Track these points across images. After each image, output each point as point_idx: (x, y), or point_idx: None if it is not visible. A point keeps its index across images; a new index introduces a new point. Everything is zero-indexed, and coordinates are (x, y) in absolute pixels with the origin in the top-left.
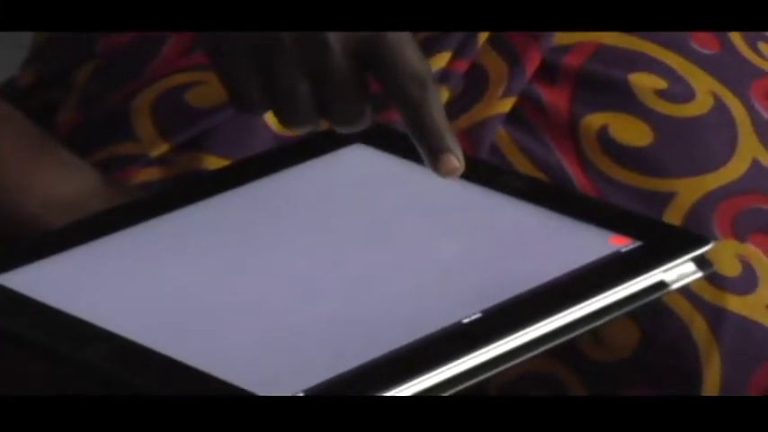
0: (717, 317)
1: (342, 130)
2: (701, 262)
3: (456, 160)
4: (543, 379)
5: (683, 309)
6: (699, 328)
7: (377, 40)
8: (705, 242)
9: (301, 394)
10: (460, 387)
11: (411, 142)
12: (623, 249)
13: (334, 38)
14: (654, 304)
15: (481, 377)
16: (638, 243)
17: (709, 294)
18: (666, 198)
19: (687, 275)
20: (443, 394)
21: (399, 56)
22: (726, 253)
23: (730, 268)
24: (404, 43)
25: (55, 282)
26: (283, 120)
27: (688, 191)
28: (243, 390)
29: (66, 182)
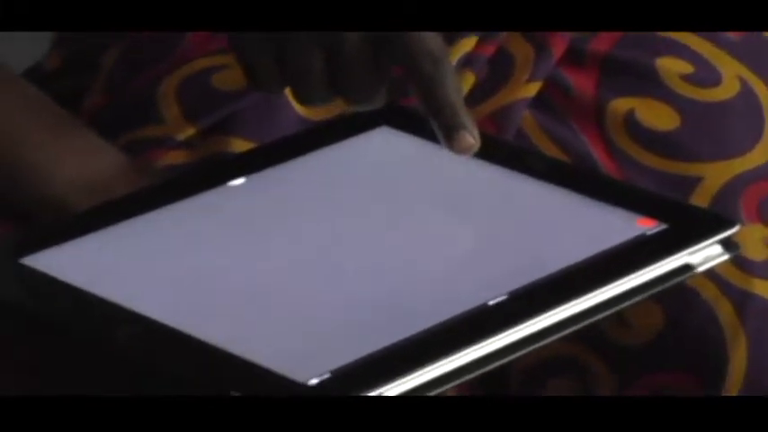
0: (743, 301)
1: (357, 107)
2: (727, 245)
3: (471, 137)
4: (568, 362)
5: (709, 292)
6: (725, 311)
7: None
8: (732, 225)
9: (328, 375)
10: (485, 369)
11: None
12: (650, 232)
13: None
14: (679, 287)
15: (506, 359)
16: (664, 225)
17: (735, 278)
18: (693, 182)
19: (713, 258)
20: (465, 378)
21: (414, 34)
22: (752, 237)
23: (757, 252)
24: None
25: (82, 263)
26: (299, 97)
27: (714, 175)
28: (269, 370)
29: (92, 164)
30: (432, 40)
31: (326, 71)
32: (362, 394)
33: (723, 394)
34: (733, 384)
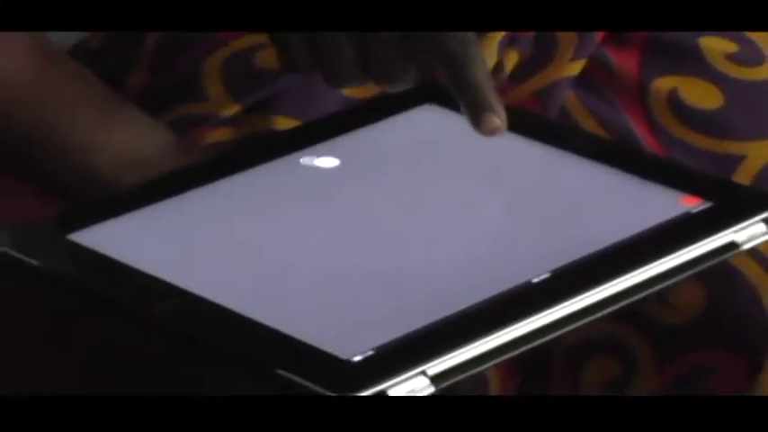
0: None
1: (387, 89)
2: None
3: (497, 119)
4: (609, 342)
5: (753, 272)
6: (767, 290)
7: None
8: None
9: (371, 352)
10: (528, 347)
11: None
12: (694, 210)
13: None
14: (722, 266)
15: (549, 337)
16: (708, 203)
17: None
18: (736, 161)
19: (758, 236)
20: (508, 355)
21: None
22: None
23: None
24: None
25: (128, 239)
26: (328, 78)
27: (757, 154)
28: (313, 347)
29: (138, 141)
30: None
31: (356, 53)
32: (403, 372)
33: (764, 374)
34: None
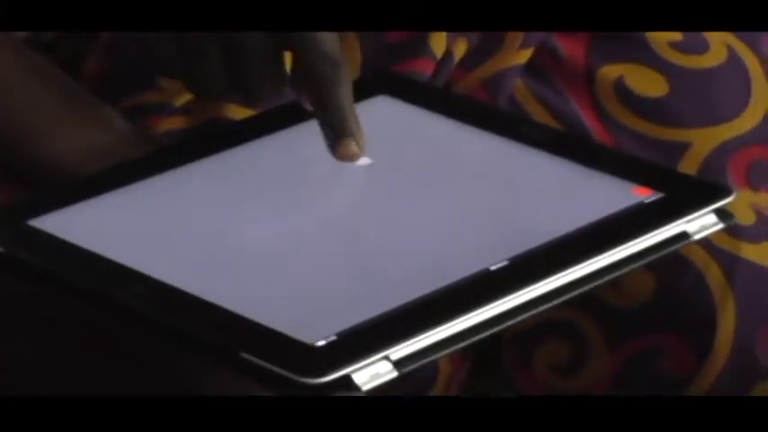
0: (731, 264)
1: (251, 104)
2: (721, 213)
3: (355, 146)
4: (560, 325)
5: (699, 257)
6: (714, 275)
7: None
8: (727, 194)
9: (334, 337)
10: (488, 333)
11: (435, 94)
12: (646, 200)
13: None
14: (673, 254)
15: (508, 323)
16: (660, 194)
17: (723, 243)
18: (681, 148)
19: (709, 227)
20: (469, 341)
21: (315, 35)
22: (740, 202)
23: (744, 217)
24: None
25: (87, 225)
26: (192, 86)
27: (702, 141)
28: (277, 332)
29: (94, 129)
30: (331, 42)
31: (227, 69)
32: (367, 357)
33: (712, 355)
34: (721, 347)
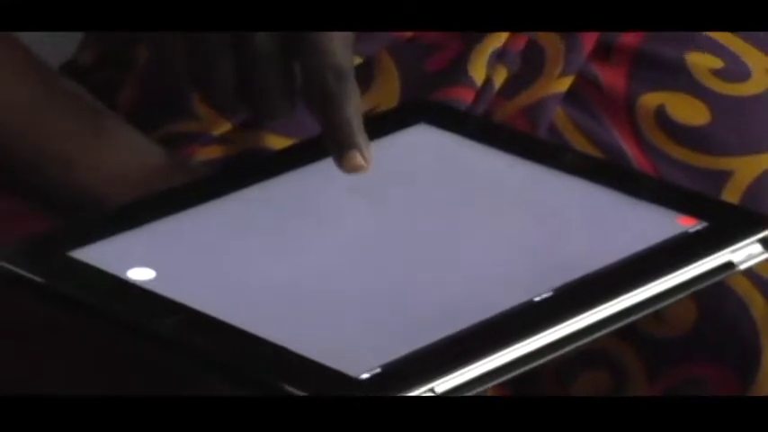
0: None
1: (262, 118)
2: (766, 243)
3: (361, 158)
4: (599, 355)
5: (742, 286)
6: (757, 305)
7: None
8: None
9: (378, 370)
10: (530, 366)
11: (475, 122)
12: (691, 230)
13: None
14: (717, 283)
15: (551, 356)
16: (705, 224)
17: (766, 272)
18: (724, 176)
19: (754, 256)
20: (513, 373)
21: (323, 47)
22: None
23: None
24: (330, 35)
25: (126, 256)
26: (205, 98)
27: (745, 169)
28: (321, 365)
29: (130, 158)
30: (341, 55)
31: (238, 81)
32: (412, 389)
33: (756, 386)
34: (765, 378)
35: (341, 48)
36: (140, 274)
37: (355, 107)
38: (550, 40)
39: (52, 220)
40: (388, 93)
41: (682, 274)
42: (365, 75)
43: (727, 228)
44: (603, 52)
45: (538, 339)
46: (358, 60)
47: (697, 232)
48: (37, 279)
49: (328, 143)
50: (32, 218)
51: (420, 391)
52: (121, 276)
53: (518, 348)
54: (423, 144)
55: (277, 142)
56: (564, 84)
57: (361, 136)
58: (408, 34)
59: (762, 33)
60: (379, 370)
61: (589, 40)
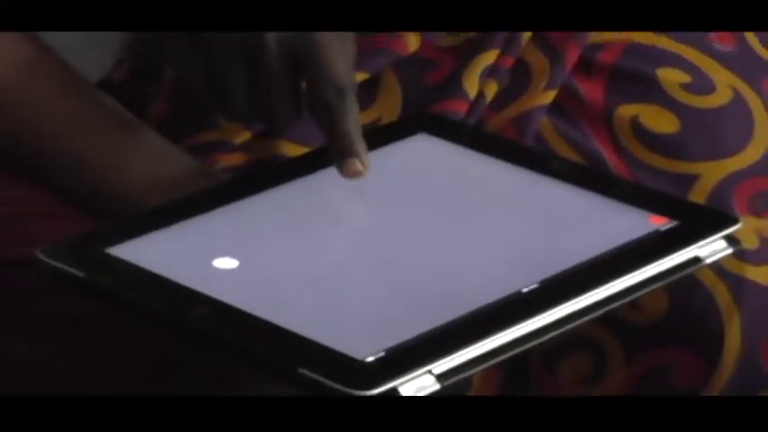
0: (738, 285)
1: (272, 126)
2: (729, 239)
3: (359, 164)
4: (584, 340)
5: (708, 278)
6: (722, 294)
7: (309, 49)
8: (735, 222)
9: (383, 353)
10: (520, 349)
11: (469, 131)
12: (662, 228)
13: (273, 40)
14: (686, 276)
15: (538, 341)
16: (675, 222)
17: (730, 265)
18: (691, 180)
19: (719, 251)
20: (504, 356)
21: (326, 65)
22: (745, 229)
23: (749, 242)
24: (333, 54)
25: (158, 253)
26: (220, 107)
27: (710, 173)
28: (331, 349)
29: (161, 164)
30: (342, 73)
31: (249, 95)
32: (412, 371)
33: (721, 367)
34: (728, 359)
35: (342, 66)
36: (169, 269)
37: (354, 119)
38: (536, 58)
39: (90, 220)
40: (391, 105)
41: (654, 267)
42: (371, 89)
43: (695, 226)
44: (584, 68)
45: (526, 326)
46: (365, 76)
47: (667, 230)
48: (77, 273)
49: (331, 151)
50: (72, 218)
51: (419, 372)
52: (152, 270)
53: (508, 334)
54: (422, 152)
55: (291, 149)
56: (549, 96)
57: (360, 145)
58: (410, 52)
59: (725, 51)
60: (382, 353)
61: (571, 57)
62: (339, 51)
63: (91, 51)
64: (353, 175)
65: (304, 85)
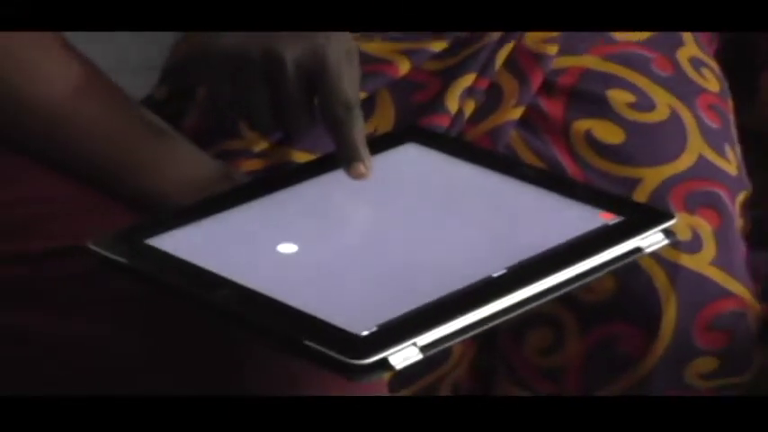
0: (673, 271)
1: (289, 135)
2: (666, 232)
3: (364, 167)
4: (545, 316)
5: (648, 264)
6: (660, 278)
7: (321, 71)
8: (671, 217)
9: (375, 328)
10: (491, 325)
11: (451, 141)
12: (610, 223)
13: (291, 60)
14: (630, 263)
15: (506, 317)
16: (620, 218)
17: (667, 253)
18: (635, 182)
19: (657, 243)
20: (477, 330)
21: (335, 85)
22: (679, 223)
23: (683, 234)
24: (341, 75)
25: (188, 243)
26: (247, 120)
27: (651, 177)
28: (332, 324)
29: (193, 168)
30: (349, 91)
31: (270, 104)
32: (400, 343)
33: (659, 339)
34: (665, 332)
35: (349, 86)
36: (198, 256)
37: (359, 130)
38: (507, 81)
39: (132, 215)
40: (385, 119)
41: (603, 256)
42: (369, 106)
43: (637, 221)
44: (547, 89)
45: (496, 305)
46: (364, 95)
47: (614, 224)
48: (121, 260)
49: (339, 157)
50: (117, 213)
51: (406, 345)
52: (183, 258)
53: (481, 312)
54: (411, 158)
55: (303, 156)
56: (517, 113)
57: (364, 151)
58: (401, 75)
59: (664, 76)
60: (375, 328)
61: (536, 80)
62: (347, 73)
63: (137, 74)
64: (358, 176)
65: (316, 101)
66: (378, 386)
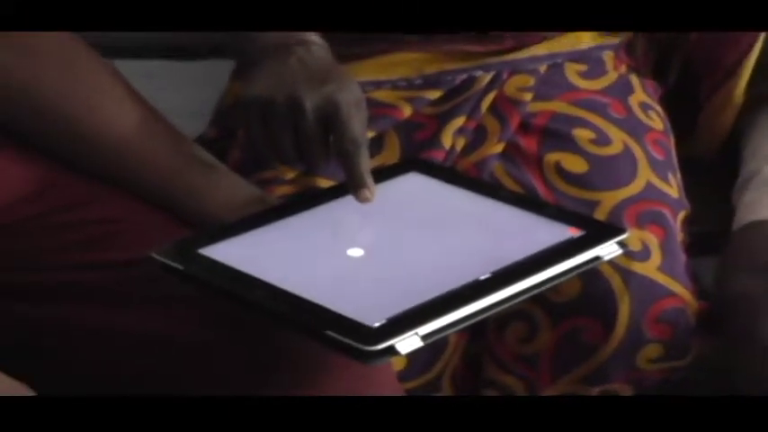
0: (627, 275)
1: (309, 167)
2: (621, 244)
3: (368, 193)
4: (522, 312)
5: (607, 270)
6: (616, 281)
7: (334, 114)
8: (624, 232)
9: (385, 321)
10: (479, 318)
11: (446, 171)
12: (575, 236)
13: (309, 106)
14: (591, 269)
15: (491, 312)
16: (583, 232)
17: (622, 261)
18: (595, 204)
19: (613, 252)
20: (468, 323)
21: (345, 125)
22: (632, 236)
23: (634, 245)
24: (351, 117)
25: (234, 252)
26: (276, 155)
27: (609, 199)
28: (349, 318)
29: (235, 193)
30: (357, 131)
31: (293, 143)
32: (404, 333)
33: (615, 332)
34: (621, 325)
35: (358, 126)
36: (242, 263)
37: (365, 162)
38: (491, 122)
39: (187, 230)
40: (392, 153)
41: (570, 262)
42: (379, 143)
43: (597, 235)
44: (524, 129)
45: (483, 302)
46: (373, 134)
47: (579, 237)
48: (178, 267)
49: (348, 184)
50: (175, 229)
51: (409, 334)
52: (229, 264)
53: (471, 307)
54: (413, 185)
55: (325, 182)
56: (499, 148)
57: (369, 180)
58: (405, 117)
59: (619, 117)
60: (384, 321)
61: (515, 121)
62: (355, 116)
63: (194, 117)
64: (364, 200)
65: (331, 138)
66: (388, 380)
